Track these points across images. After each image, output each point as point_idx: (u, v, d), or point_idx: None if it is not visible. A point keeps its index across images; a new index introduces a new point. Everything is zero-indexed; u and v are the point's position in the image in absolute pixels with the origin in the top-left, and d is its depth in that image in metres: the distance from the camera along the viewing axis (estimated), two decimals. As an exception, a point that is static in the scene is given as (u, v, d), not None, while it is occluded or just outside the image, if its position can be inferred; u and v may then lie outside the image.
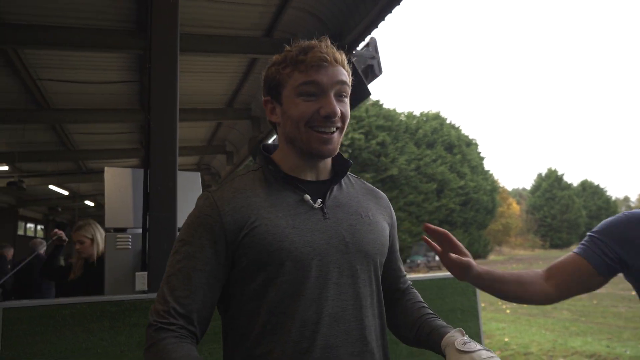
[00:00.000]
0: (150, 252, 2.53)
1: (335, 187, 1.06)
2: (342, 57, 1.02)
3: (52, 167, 9.99)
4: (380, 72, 5.04)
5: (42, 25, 4.27)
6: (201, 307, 0.93)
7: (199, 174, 3.03)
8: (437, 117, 42.89)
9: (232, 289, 0.98)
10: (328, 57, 0.98)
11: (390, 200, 1.22)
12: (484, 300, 2.84)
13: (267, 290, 0.93)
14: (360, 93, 4.87)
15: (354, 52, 4.79)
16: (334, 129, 0.99)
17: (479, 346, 0.93)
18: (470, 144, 44.13)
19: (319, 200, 1.00)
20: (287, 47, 1.03)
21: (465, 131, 50.80)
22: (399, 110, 43.31)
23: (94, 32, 4.41)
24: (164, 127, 2.47)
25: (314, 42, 1.01)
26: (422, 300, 1.18)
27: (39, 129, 7.20)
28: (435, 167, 38.99)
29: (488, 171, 45.84)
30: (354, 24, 4.45)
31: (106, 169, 2.71)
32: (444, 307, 2.51)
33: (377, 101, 39.33)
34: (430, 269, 28.64)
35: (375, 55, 4.98)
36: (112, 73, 5.56)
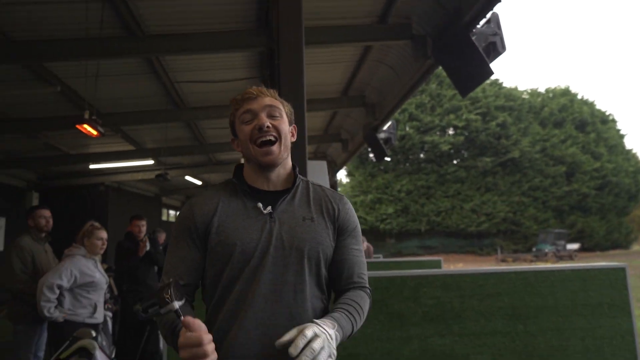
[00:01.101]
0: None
1: (289, 197, 1.30)
2: (270, 91, 1.34)
3: (188, 161, 11.16)
4: (504, 49, 4.71)
5: (178, 34, 4.77)
6: (185, 278, 1.25)
7: (325, 162, 3.14)
8: (566, 92, 38.79)
9: (205, 272, 1.29)
10: (254, 92, 1.31)
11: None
12: (633, 295, 2.53)
13: (221, 274, 1.22)
14: (480, 72, 4.61)
15: (473, 30, 4.53)
16: (272, 138, 1.27)
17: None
18: (606, 121, 39.16)
19: (269, 207, 1.26)
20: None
21: (600, 106, 45.07)
22: (520, 88, 40.02)
23: (220, 35, 4.80)
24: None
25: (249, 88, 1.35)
26: (349, 300, 1.26)
27: (178, 126, 8.08)
28: (564, 149, 35.36)
29: (630, 150, 40.30)
30: (473, 0, 4.20)
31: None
32: (589, 301, 2.30)
33: (496, 80, 36.77)
34: (559, 258, 26.22)
35: (497, 32, 4.66)
36: (237, 71, 6.00)
